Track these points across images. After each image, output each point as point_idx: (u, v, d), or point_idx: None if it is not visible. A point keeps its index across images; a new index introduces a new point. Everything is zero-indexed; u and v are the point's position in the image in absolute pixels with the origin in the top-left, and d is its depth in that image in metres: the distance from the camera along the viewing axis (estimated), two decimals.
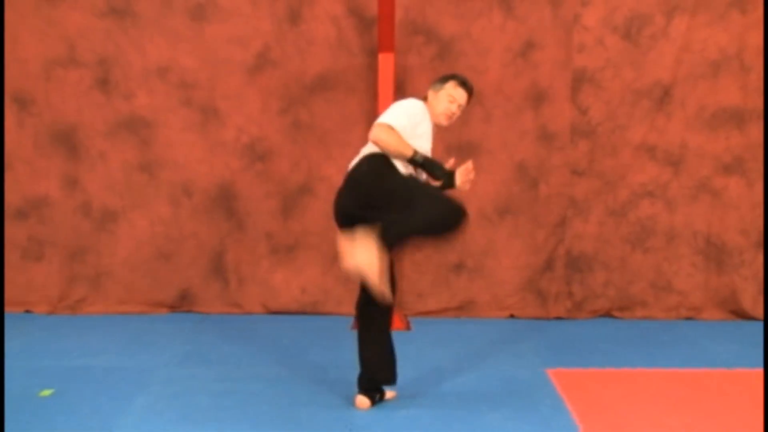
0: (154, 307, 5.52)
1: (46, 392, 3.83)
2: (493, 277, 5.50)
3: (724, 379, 4.22)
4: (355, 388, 3.73)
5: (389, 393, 3.79)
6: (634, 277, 5.59)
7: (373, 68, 5.28)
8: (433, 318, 5.50)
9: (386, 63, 5.08)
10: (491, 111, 5.44)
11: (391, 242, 3.22)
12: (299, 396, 3.85)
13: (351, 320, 5.37)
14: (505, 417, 3.56)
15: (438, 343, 4.87)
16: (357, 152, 5.20)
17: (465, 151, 5.38)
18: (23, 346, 4.68)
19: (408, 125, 3.48)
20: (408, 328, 5.21)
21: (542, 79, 5.41)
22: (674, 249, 5.57)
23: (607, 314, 5.61)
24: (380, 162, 3.48)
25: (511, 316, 5.56)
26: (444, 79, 3.72)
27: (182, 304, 5.55)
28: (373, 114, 5.33)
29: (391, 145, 3.43)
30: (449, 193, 3.48)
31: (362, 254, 3.14)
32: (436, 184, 3.55)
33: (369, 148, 3.55)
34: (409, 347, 4.56)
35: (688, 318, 5.57)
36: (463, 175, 3.60)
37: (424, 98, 3.71)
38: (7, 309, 5.41)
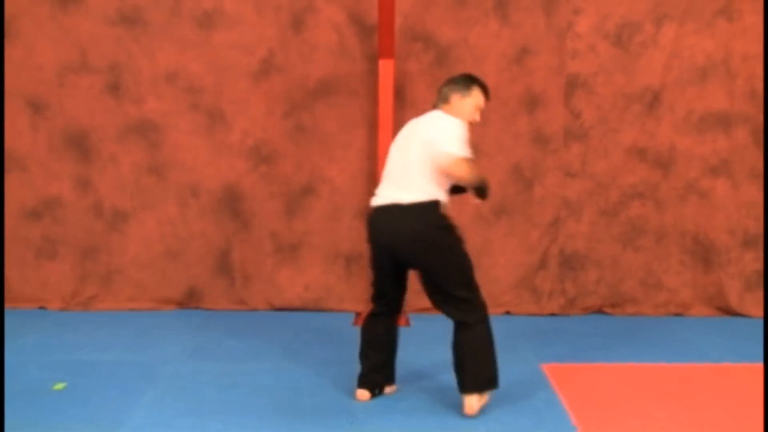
0: (163, 304, 5.52)
1: (60, 386, 3.83)
2: (489, 275, 5.50)
3: (710, 373, 4.22)
4: (355, 382, 3.73)
5: (389, 388, 3.80)
6: (625, 275, 5.59)
7: (373, 74, 5.29)
8: (432, 314, 5.47)
9: (386, 69, 5.09)
10: (488, 115, 5.41)
11: (491, 382, 3.51)
12: (303, 389, 3.85)
13: (353, 316, 5.38)
14: (502, 409, 3.57)
15: (436, 338, 4.84)
16: (358, 154, 5.20)
17: None
18: (37, 341, 4.68)
19: None
20: (407, 324, 5.22)
21: (537, 84, 5.42)
22: (663, 248, 5.57)
23: (599, 311, 5.62)
24: (453, 229, 3.52)
25: (507, 312, 5.56)
26: (467, 84, 3.62)
27: (190, 301, 5.55)
28: (373, 118, 5.34)
29: (472, 179, 3.42)
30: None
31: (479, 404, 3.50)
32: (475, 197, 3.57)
33: (426, 188, 3.46)
34: (409, 343, 4.56)
35: (677, 314, 5.57)
36: None
37: (445, 100, 3.61)
38: (22, 305, 5.42)
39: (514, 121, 5.46)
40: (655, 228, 5.56)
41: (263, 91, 5.40)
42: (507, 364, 4.29)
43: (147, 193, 5.46)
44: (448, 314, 3.55)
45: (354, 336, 4.91)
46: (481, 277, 5.78)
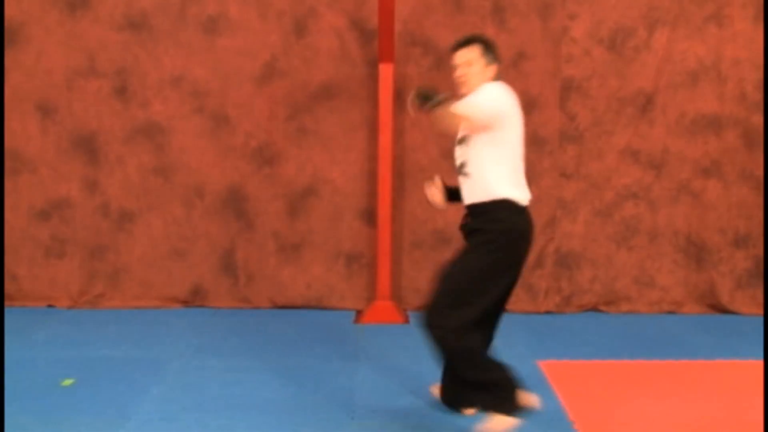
0: (169, 302, 5.52)
1: (68, 381, 3.83)
2: None
3: (703, 369, 4.22)
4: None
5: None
6: (619, 274, 5.59)
7: (373, 77, 5.28)
8: None
9: (386, 73, 5.09)
10: None
11: (510, 403, 3.13)
12: (305, 385, 3.84)
13: (353, 314, 5.37)
14: None
15: None
16: (359, 156, 5.16)
17: None
18: (46, 338, 4.68)
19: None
20: (407, 321, 5.21)
21: (533, 87, 5.41)
22: (656, 247, 5.57)
23: (594, 308, 5.61)
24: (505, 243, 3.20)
25: (504, 310, 5.54)
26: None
27: (195, 299, 5.55)
28: (373, 120, 5.33)
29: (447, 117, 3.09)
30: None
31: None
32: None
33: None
34: (409, 340, 4.56)
35: (670, 312, 5.56)
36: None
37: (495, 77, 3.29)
38: (31, 304, 5.42)
39: None
40: (649, 228, 5.55)
41: (266, 94, 5.40)
42: (504, 360, 4.28)
43: (153, 194, 5.46)
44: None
45: (354, 333, 4.92)
46: None
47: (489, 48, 3.29)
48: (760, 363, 4.12)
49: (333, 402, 3.61)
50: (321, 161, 5.46)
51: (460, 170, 3.26)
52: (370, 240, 5.44)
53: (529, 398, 3.24)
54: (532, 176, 5.48)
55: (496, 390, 3.14)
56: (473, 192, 3.21)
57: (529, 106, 5.43)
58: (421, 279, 5.53)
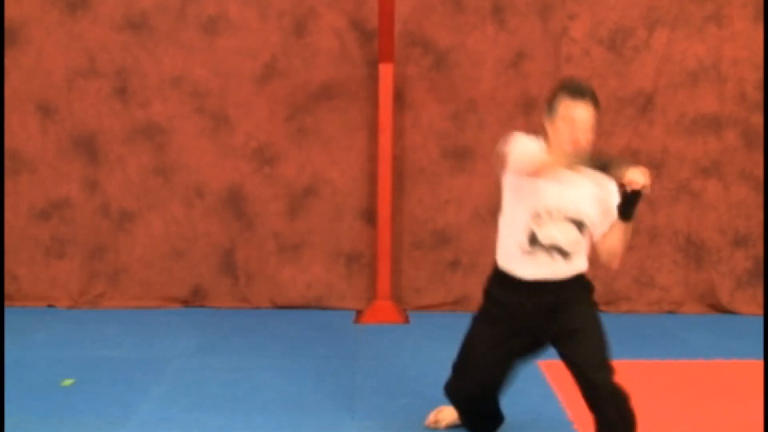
0: (169, 302, 5.50)
1: (68, 381, 3.82)
2: (487, 274, 5.47)
3: (702, 369, 4.21)
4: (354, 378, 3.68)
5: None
6: (618, 274, 5.56)
7: (373, 78, 5.27)
8: (431, 312, 5.48)
9: (386, 73, 5.09)
10: (485, 118, 5.42)
11: None
12: (305, 385, 3.84)
13: (353, 314, 5.36)
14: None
15: (435, 335, 4.85)
16: (359, 156, 5.15)
17: (460, 155, 5.38)
18: (46, 338, 4.67)
19: None
20: (407, 321, 5.20)
21: (532, 87, 5.40)
22: (656, 247, 5.56)
23: None
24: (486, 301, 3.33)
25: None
26: (550, 101, 2.81)
27: (195, 299, 5.54)
28: (373, 121, 5.32)
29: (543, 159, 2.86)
30: None
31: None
32: None
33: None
34: (408, 340, 4.56)
35: (670, 312, 5.55)
36: None
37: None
38: (32, 304, 5.40)
39: (510, 124, 5.42)
40: (648, 227, 5.54)
41: (266, 94, 5.39)
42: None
43: (153, 194, 5.45)
44: None
45: (354, 333, 4.92)
46: (478, 275, 5.74)
47: None
48: (760, 363, 4.11)
49: (333, 402, 3.60)
50: (321, 161, 5.45)
51: (558, 250, 2.99)
52: (370, 240, 5.43)
53: None
54: None
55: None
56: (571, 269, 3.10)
57: (528, 106, 5.43)
58: (421, 279, 5.53)
